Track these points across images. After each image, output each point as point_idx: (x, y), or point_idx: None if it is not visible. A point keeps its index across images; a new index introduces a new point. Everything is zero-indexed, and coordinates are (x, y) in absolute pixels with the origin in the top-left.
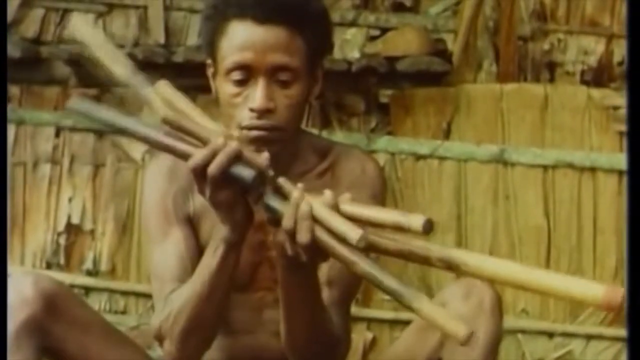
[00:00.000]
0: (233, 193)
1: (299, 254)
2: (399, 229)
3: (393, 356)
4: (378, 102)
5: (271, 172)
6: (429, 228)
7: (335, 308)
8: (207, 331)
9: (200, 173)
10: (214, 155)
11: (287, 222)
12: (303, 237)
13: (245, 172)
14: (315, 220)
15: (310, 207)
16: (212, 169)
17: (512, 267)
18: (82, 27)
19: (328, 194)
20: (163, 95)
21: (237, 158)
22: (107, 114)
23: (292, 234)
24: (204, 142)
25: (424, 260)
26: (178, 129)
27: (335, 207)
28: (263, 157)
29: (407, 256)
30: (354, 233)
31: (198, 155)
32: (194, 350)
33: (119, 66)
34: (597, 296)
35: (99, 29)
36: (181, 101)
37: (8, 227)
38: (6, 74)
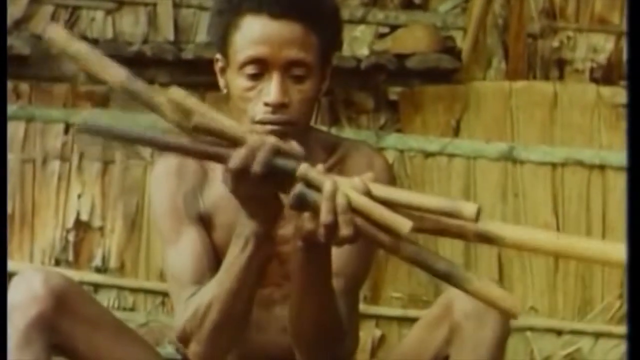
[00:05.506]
0: (269, 187)
1: (336, 241)
2: (447, 215)
3: (401, 353)
4: (387, 100)
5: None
6: (479, 216)
7: (340, 298)
8: (236, 328)
9: (240, 173)
10: (254, 154)
11: (326, 217)
12: (346, 231)
13: (288, 164)
14: (354, 211)
15: (348, 198)
16: (256, 167)
17: (550, 236)
18: (61, 37)
19: (358, 180)
20: (177, 100)
21: (277, 152)
22: (124, 130)
23: (331, 228)
24: (236, 142)
25: (460, 235)
26: (209, 132)
27: (369, 193)
28: (295, 146)
29: (443, 232)
30: (403, 224)
31: (238, 156)
32: (222, 349)
33: (112, 71)
34: None
35: (77, 38)
36: (197, 104)
37: (9, 227)
38: (6, 72)
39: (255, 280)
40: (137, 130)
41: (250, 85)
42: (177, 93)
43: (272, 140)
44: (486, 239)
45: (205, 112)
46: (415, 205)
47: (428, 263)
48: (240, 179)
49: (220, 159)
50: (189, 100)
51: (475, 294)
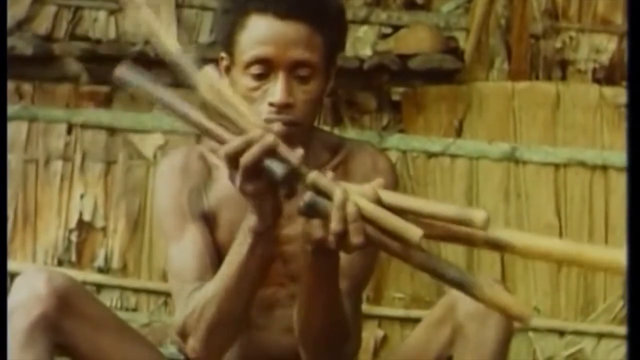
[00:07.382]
0: (263, 184)
1: (346, 249)
2: (457, 222)
3: (404, 354)
4: (390, 100)
5: (305, 170)
6: (488, 223)
7: (345, 299)
8: (233, 326)
9: (232, 160)
10: (248, 145)
11: (336, 226)
12: (356, 239)
13: (277, 168)
14: (365, 219)
15: (358, 207)
16: (245, 159)
17: (560, 244)
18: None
19: (368, 188)
20: (208, 80)
21: (272, 152)
22: (153, 87)
23: (342, 236)
24: (241, 131)
25: (469, 242)
26: (218, 115)
27: (379, 201)
28: (297, 154)
29: (451, 239)
30: (414, 232)
31: (233, 143)
32: (219, 347)
33: (171, 43)
34: None
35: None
36: (225, 88)
37: (9, 226)
38: (6, 73)
39: (255, 278)
40: (162, 92)
41: (255, 85)
42: (211, 73)
43: (271, 138)
44: (496, 246)
45: (228, 96)
46: (425, 213)
47: (439, 271)
48: (232, 167)
49: (221, 141)
50: (220, 82)
51: (486, 301)
